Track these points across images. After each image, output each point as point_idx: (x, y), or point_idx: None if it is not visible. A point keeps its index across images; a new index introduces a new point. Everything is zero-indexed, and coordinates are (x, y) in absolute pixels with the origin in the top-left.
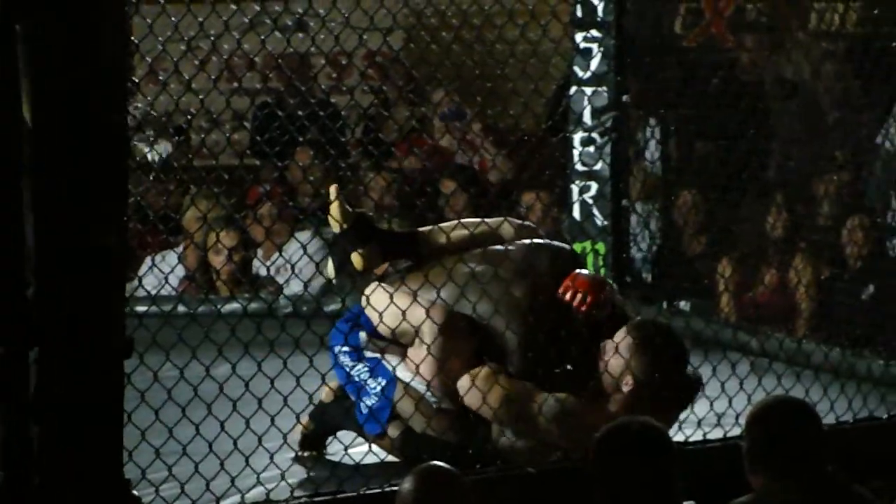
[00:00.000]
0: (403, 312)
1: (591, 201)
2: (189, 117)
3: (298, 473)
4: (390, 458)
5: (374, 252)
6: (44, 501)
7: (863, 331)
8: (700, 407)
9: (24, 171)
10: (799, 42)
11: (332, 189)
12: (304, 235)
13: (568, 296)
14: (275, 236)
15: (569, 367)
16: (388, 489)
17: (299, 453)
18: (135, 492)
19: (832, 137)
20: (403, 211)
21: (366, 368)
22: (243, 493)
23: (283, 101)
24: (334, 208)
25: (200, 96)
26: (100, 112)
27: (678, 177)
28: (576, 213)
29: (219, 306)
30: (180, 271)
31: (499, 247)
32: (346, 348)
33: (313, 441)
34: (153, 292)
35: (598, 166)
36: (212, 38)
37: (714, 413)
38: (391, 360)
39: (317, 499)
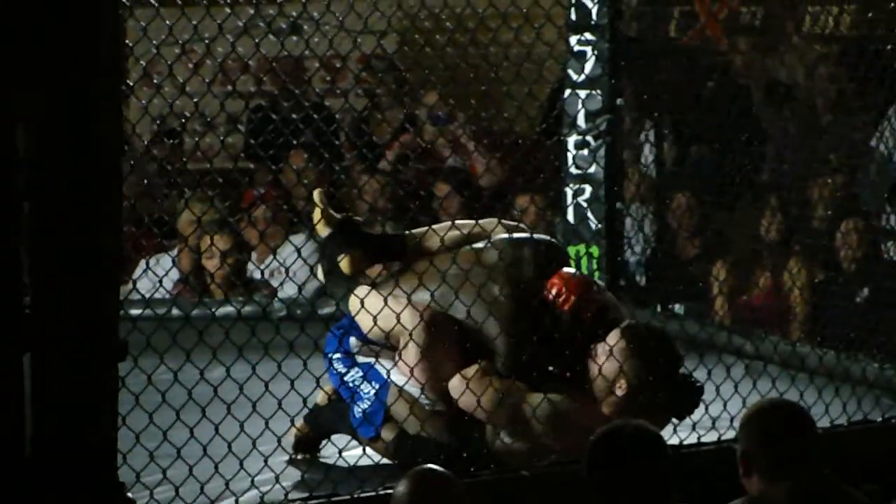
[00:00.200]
0: (390, 315)
1: (585, 204)
2: (183, 120)
3: (293, 476)
4: (385, 460)
5: (361, 256)
6: None
7: (857, 334)
8: (695, 410)
9: (20, 174)
10: (793, 45)
11: (316, 194)
12: (298, 238)
13: (552, 294)
14: (269, 239)
15: (559, 367)
16: (382, 492)
17: (293, 456)
18: (129, 495)
19: (826, 140)
20: (397, 214)
21: (359, 373)
22: (237, 496)
23: (278, 104)
24: (318, 215)
25: (195, 99)
26: (96, 115)
27: (674, 180)
28: (570, 217)
29: (213, 309)
30: (174, 274)
31: (480, 244)
32: (339, 354)
33: (307, 444)
34: (147, 295)
35: (593, 169)
36: (206, 42)
37: (709, 416)
38: (384, 364)
39: (311, 502)
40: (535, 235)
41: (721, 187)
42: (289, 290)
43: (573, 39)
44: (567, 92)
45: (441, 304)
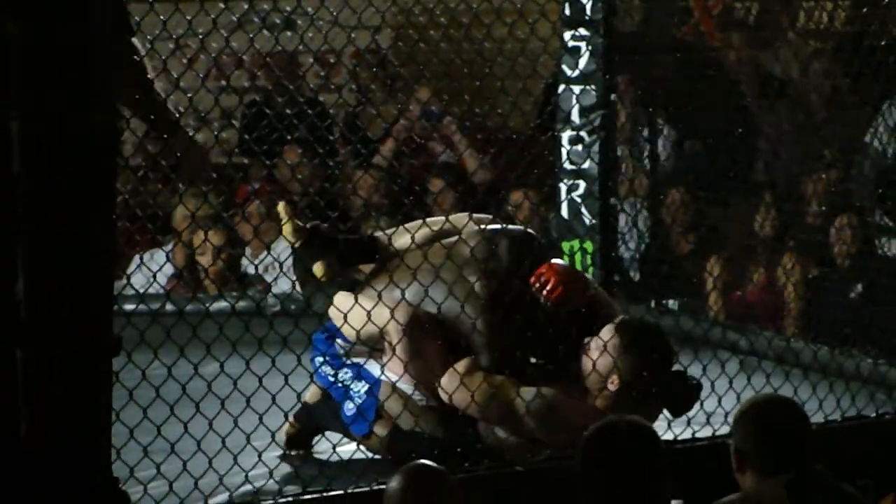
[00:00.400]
0: (368, 315)
1: (579, 200)
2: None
3: (287, 471)
4: (379, 455)
5: (333, 261)
6: (33, 501)
7: (851, 329)
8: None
9: (13, 170)
10: (788, 40)
11: (281, 207)
12: None
13: (538, 284)
14: (263, 235)
15: (551, 361)
16: (376, 487)
17: (287, 452)
18: (122, 488)
19: (821, 136)
20: (392, 209)
21: (349, 373)
22: (231, 492)
23: (272, 99)
24: (287, 228)
25: (189, 94)
26: (89, 110)
27: (668, 175)
28: (564, 212)
29: (207, 305)
30: (168, 269)
31: (453, 238)
32: (325, 358)
33: (298, 442)
34: (141, 290)
35: (587, 165)
36: (200, 37)
37: (703, 412)
38: (374, 363)
39: (305, 497)
40: (509, 227)
41: (715, 182)
42: (283, 286)
43: (567, 35)
44: (561, 87)
45: (417, 302)
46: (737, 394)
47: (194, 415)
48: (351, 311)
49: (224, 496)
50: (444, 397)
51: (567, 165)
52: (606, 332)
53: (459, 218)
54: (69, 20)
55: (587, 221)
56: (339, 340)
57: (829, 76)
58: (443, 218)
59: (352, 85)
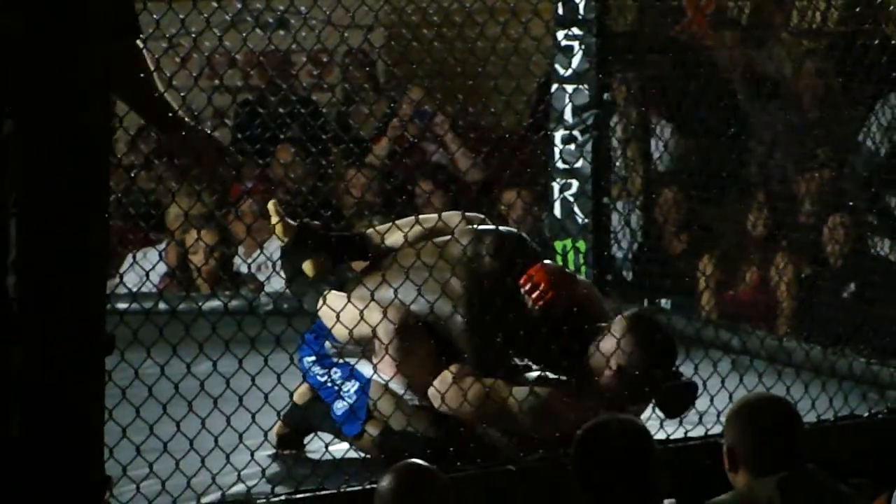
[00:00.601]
0: (362, 323)
1: (572, 199)
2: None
3: (279, 471)
4: (371, 455)
5: (323, 259)
6: (24, 499)
7: (844, 329)
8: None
9: (6, 167)
10: (781, 40)
11: (271, 206)
12: None
13: (527, 287)
14: (256, 234)
15: (543, 361)
16: (368, 486)
17: (279, 451)
18: (114, 490)
19: (814, 135)
20: (385, 208)
21: (339, 374)
22: (224, 491)
23: (265, 98)
24: (276, 226)
25: (181, 94)
26: (82, 108)
27: (661, 174)
28: (557, 211)
29: (200, 303)
30: (161, 268)
31: (445, 237)
32: (314, 358)
33: (289, 443)
34: (134, 289)
35: (580, 164)
36: (193, 36)
37: (696, 411)
38: (366, 363)
39: (297, 496)
40: (501, 228)
41: (708, 182)
42: (276, 285)
43: (560, 34)
44: (554, 86)
45: (406, 302)
46: (729, 393)
47: (187, 414)
48: (343, 312)
49: (216, 495)
50: (436, 401)
51: (560, 164)
52: (616, 324)
53: (451, 216)
54: (65, 18)
55: (580, 220)
56: (327, 342)
57: (822, 75)
58: (435, 216)
59: (344, 84)
